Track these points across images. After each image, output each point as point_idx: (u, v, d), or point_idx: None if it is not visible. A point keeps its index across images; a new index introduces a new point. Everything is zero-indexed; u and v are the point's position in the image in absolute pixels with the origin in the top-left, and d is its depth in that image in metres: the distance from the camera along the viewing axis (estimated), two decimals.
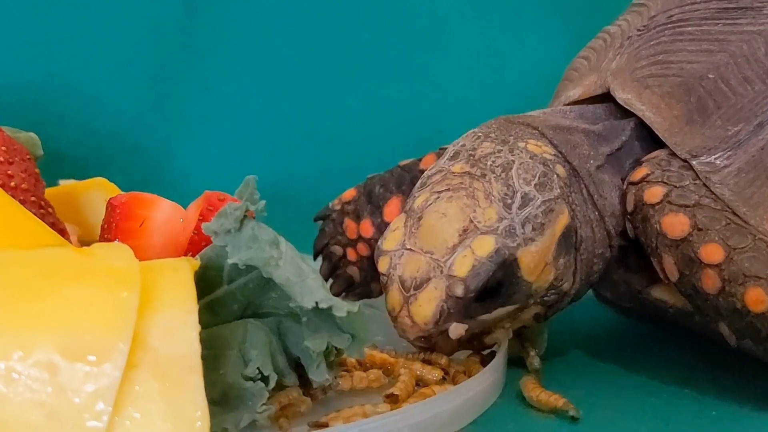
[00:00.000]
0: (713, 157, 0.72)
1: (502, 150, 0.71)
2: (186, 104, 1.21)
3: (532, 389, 0.70)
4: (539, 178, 0.70)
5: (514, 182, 0.70)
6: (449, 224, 0.68)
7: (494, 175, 0.70)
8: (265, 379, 0.62)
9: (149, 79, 1.20)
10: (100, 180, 0.85)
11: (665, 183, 0.71)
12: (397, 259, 0.68)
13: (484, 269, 0.67)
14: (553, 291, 0.71)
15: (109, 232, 0.68)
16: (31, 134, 0.80)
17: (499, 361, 0.71)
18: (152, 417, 0.53)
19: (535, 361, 0.76)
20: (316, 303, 0.61)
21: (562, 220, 0.70)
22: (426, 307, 0.67)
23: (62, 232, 0.73)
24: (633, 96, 0.77)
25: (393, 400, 0.65)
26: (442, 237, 0.68)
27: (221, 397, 0.61)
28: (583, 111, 0.80)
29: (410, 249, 0.68)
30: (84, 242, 0.76)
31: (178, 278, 0.57)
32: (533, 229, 0.69)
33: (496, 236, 0.67)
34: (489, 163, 0.71)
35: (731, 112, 0.73)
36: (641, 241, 0.72)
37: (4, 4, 1.14)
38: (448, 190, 0.69)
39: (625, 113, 0.79)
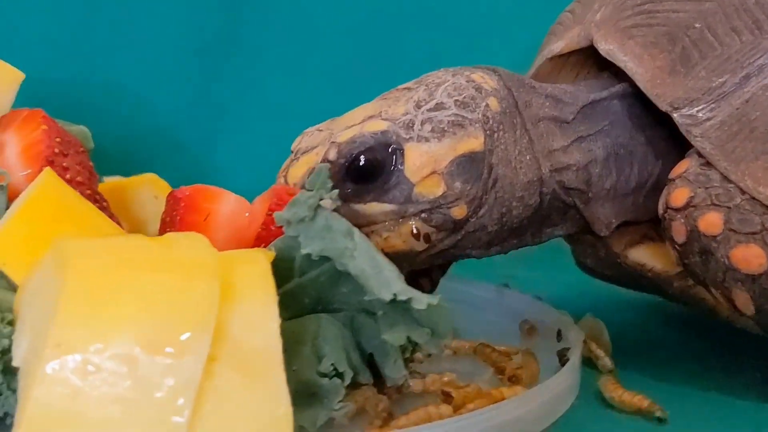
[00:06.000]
0: (695, 109, 0.69)
1: (446, 74, 0.70)
2: (229, 100, 1.19)
3: (614, 389, 0.67)
4: (464, 97, 0.68)
5: (437, 93, 0.68)
6: (361, 111, 0.68)
7: (425, 87, 0.69)
8: (340, 376, 0.59)
9: (192, 74, 1.18)
10: (150, 176, 0.83)
11: (717, 205, 0.66)
12: (306, 137, 0.69)
13: (362, 140, 0.66)
14: (440, 210, 0.66)
15: (172, 225, 0.65)
16: (82, 127, 0.78)
17: (575, 361, 0.68)
18: (234, 412, 0.50)
19: (607, 361, 0.74)
20: (394, 295, 0.58)
21: (471, 142, 0.67)
22: (301, 168, 0.66)
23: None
24: (616, 47, 0.74)
25: (448, 400, 0.63)
26: (349, 119, 0.68)
27: (295, 394, 0.57)
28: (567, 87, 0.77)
29: (320, 129, 0.69)
30: None
31: (256, 269, 0.55)
32: (432, 131, 0.66)
33: (391, 123, 0.66)
34: (429, 80, 0.70)
35: (716, 63, 0.70)
36: (694, 272, 0.68)
37: None
38: (384, 99, 0.70)
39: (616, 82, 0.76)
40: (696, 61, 0.71)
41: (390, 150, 0.66)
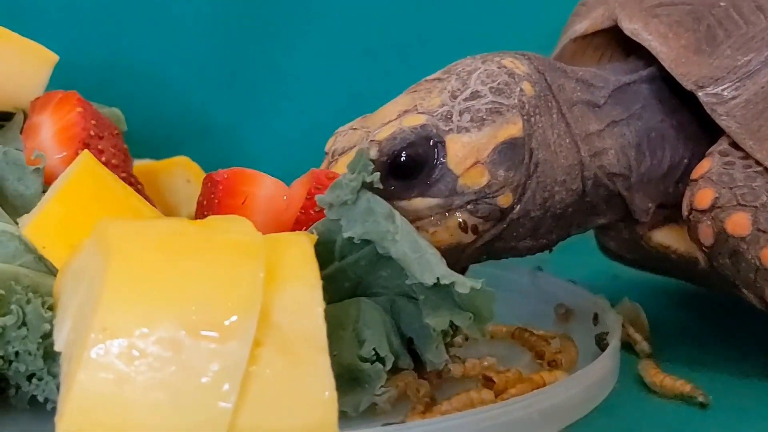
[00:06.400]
0: (720, 87, 0.68)
1: (476, 61, 0.69)
2: (257, 85, 1.18)
3: (654, 374, 0.66)
4: (498, 84, 0.67)
5: (471, 82, 0.67)
6: (394, 106, 0.67)
7: (456, 76, 0.68)
8: (381, 360, 0.59)
9: (220, 59, 1.17)
10: (182, 159, 0.83)
11: (743, 205, 0.66)
12: (340, 137, 0.67)
13: (402, 136, 0.64)
14: (486, 200, 0.66)
15: (210, 209, 0.64)
16: (115, 109, 0.77)
17: (615, 345, 0.67)
18: (279, 398, 0.50)
19: (645, 345, 0.73)
20: (438, 279, 0.57)
21: (510, 129, 0.66)
22: (341, 169, 0.64)
23: None
24: (640, 26, 0.73)
25: (489, 385, 0.63)
26: (383, 115, 0.67)
27: (337, 379, 0.56)
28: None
29: (354, 128, 0.67)
30: None
31: (299, 252, 0.54)
32: (471, 120, 0.66)
33: (429, 116, 0.65)
34: (459, 69, 0.69)
35: (742, 42, 0.69)
36: (724, 273, 0.67)
37: None
38: (414, 92, 0.68)
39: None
40: (721, 39, 0.70)
41: (431, 143, 0.65)
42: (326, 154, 0.68)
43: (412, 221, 0.64)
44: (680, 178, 0.74)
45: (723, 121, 0.68)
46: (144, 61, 1.14)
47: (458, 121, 0.66)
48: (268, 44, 1.18)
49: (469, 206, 0.66)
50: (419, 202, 0.65)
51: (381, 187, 0.60)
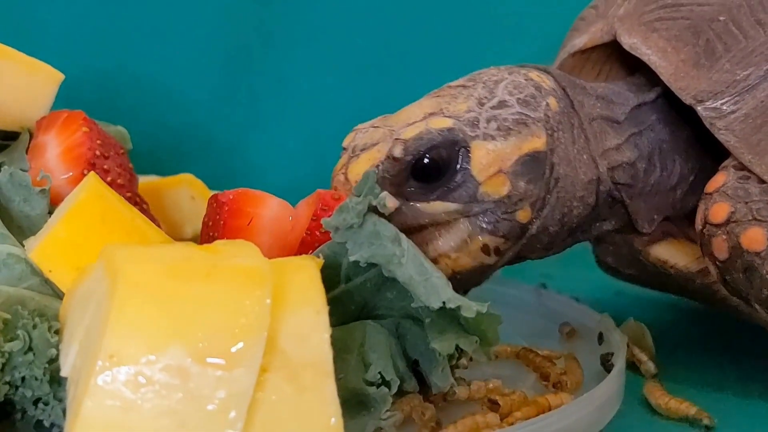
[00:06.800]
0: (719, 102, 0.68)
1: (501, 71, 0.69)
2: (260, 97, 1.18)
3: (660, 396, 0.66)
4: (525, 96, 0.67)
5: (498, 91, 0.67)
6: (419, 108, 0.67)
7: (483, 84, 0.68)
8: (387, 384, 0.59)
9: (222, 71, 1.16)
10: (187, 176, 0.83)
11: (759, 221, 0.65)
12: (360, 134, 0.67)
13: (429, 137, 0.64)
14: (505, 212, 0.65)
15: (215, 230, 0.64)
16: (120, 128, 0.77)
17: (620, 367, 0.67)
18: (286, 425, 0.50)
19: (650, 366, 0.73)
20: (444, 303, 0.57)
21: (534, 141, 0.66)
22: (362, 164, 0.64)
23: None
24: (639, 40, 0.73)
25: (495, 408, 0.62)
26: (407, 115, 0.66)
27: (343, 403, 0.56)
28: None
29: (376, 126, 0.67)
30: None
31: (306, 277, 0.54)
32: (498, 129, 0.65)
33: (456, 120, 0.65)
34: (485, 78, 0.69)
35: (741, 56, 0.69)
36: (737, 288, 0.67)
37: None
38: (438, 96, 0.68)
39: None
40: (720, 53, 0.70)
41: (456, 148, 0.65)
42: (344, 149, 0.67)
43: (428, 225, 0.64)
44: (687, 191, 0.74)
45: (722, 136, 0.68)
46: (144, 74, 1.14)
47: (485, 128, 0.65)
48: (269, 55, 1.18)
49: (489, 226, 0.65)
50: (438, 206, 0.65)
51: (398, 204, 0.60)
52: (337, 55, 1.19)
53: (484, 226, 0.65)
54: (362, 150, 0.65)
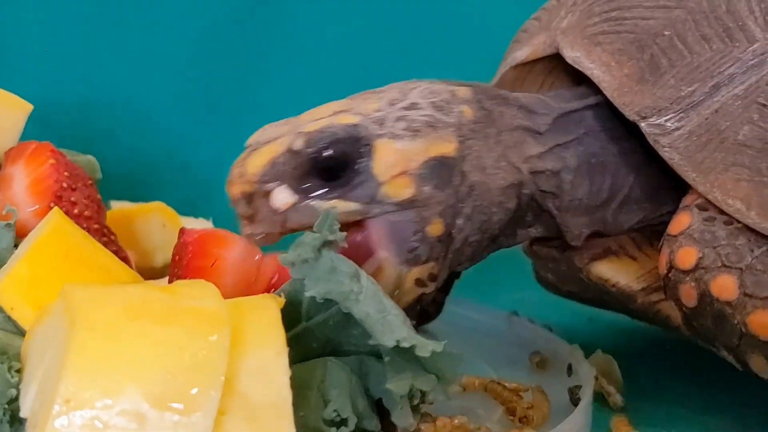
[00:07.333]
0: (664, 118, 0.67)
1: (421, 81, 0.69)
2: (237, 122, 1.17)
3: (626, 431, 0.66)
4: (439, 100, 0.66)
5: (412, 94, 0.67)
6: (328, 107, 0.66)
7: (398, 89, 0.67)
8: (343, 422, 0.59)
9: (198, 96, 1.16)
10: (158, 204, 0.83)
11: (728, 267, 0.63)
12: (266, 130, 0.66)
13: (331, 131, 0.63)
14: (414, 237, 0.65)
15: (180, 268, 0.64)
16: (90, 157, 0.77)
17: (587, 401, 0.67)
18: None
19: (618, 398, 0.73)
20: (398, 342, 0.57)
21: (443, 146, 0.65)
22: (262, 157, 0.63)
23: (125, 260, 0.70)
24: (582, 54, 0.72)
25: None
26: (316, 113, 0.65)
27: None
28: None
29: (282, 124, 0.66)
30: (140, 269, 0.73)
31: (265, 317, 0.54)
32: (405, 129, 0.64)
33: (362, 117, 0.64)
34: (402, 84, 0.68)
35: (686, 72, 0.68)
36: (704, 334, 0.65)
37: (49, 19, 1.11)
38: (351, 98, 0.67)
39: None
40: (665, 69, 0.69)
41: (359, 145, 0.64)
42: (248, 146, 0.66)
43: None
44: (619, 207, 0.73)
45: (666, 153, 0.67)
46: (119, 98, 1.13)
47: (392, 126, 0.65)
48: (245, 79, 1.17)
49: (410, 256, 0.64)
50: (337, 205, 0.64)
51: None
52: (316, 81, 1.18)
53: (405, 258, 0.64)
54: (263, 144, 0.64)
